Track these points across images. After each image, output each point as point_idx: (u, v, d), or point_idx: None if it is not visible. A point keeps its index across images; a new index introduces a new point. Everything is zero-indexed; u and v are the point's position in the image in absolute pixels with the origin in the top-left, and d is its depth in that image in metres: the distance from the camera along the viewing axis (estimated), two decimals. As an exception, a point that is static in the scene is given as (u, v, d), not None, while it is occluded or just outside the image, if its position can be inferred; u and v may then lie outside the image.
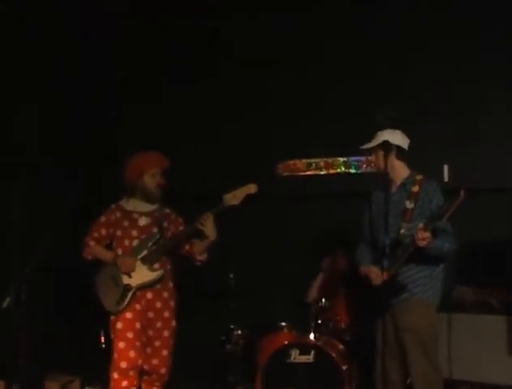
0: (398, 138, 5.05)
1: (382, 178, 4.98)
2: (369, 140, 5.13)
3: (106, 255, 5.66)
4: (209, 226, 5.48)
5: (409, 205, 4.94)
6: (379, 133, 5.09)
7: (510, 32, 6.26)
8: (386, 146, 4.96)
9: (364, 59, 6.67)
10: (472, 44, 6.36)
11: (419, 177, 5.04)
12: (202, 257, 5.69)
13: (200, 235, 5.57)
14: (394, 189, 5.10)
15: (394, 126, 5.10)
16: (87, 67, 7.43)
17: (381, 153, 5.02)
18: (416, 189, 4.98)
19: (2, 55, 6.94)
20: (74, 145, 7.27)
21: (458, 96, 6.41)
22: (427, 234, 4.65)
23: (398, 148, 5.05)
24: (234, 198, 5.44)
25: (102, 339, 6.51)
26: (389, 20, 6.62)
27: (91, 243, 5.68)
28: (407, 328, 4.89)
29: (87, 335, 6.95)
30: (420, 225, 4.68)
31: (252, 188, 5.45)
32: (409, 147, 5.09)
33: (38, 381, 6.64)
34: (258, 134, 7.00)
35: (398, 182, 5.10)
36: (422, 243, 4.67)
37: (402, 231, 4.86)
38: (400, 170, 5.10)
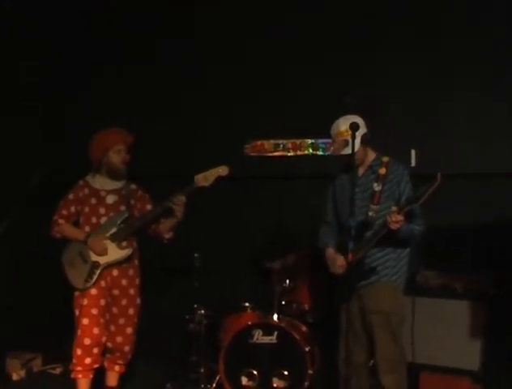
0: (363, 124, 4.99)
1: (347, 161, 4.95)
2: (329, 127, 5.08)
3: (76, 234, 5.60)
4: (181, 206, 5.45)
5: (377, 187, 4.92)
6: (339, 124, 4.98)
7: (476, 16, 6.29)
8: (366, 138, 4.95)
9: (333, 42, 6.63)
10: (435, 30, 6.35)
11: (385, 160, 5.02)
12: (168, 235, 5.67)
13: (167, 214, 5.55)
14: (361, 172, 5.08)
15: (349, 112, 5.08)
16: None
17: (361, 147, 4.94)
18: (382, 171, 4.95)
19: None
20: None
21: (422, 79, 6.40)
22: (400, 217, 4.62)
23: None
24: (205, 179, 5.41)
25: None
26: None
27: (61, 221, 5.62)
28: (376, 311, 4.88)
29: (49, 311, 6.91)
30: (394, 208, 4.66)
31: (223, 170, 5.44)
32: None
33: (-1, 358, 6.63)
34: (225, 113, 6.96)
35: (366, 165, 5.07)
36: (395, 226, 4.65)
37: (370, 214, 4.87)
38: (369, 154, 5.09)
